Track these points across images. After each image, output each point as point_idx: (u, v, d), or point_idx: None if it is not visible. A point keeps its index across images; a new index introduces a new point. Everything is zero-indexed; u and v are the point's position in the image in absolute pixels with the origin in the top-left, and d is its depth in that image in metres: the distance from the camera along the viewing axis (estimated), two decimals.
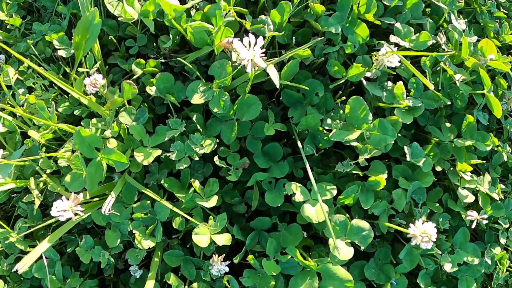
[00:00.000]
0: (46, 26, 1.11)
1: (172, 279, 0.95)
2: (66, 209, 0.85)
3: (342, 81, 0.96)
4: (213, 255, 0.93)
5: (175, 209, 0.91)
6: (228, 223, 0.96)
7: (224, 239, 0.91)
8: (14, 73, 1.06)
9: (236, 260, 0.95)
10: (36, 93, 1.03)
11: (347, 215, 0.95)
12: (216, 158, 0.92)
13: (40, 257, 0.96)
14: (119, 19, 1.00)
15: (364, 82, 0.97)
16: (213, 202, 0.90)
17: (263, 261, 0.92)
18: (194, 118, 0.93)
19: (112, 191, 0.91)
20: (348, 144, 0.93)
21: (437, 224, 1.02)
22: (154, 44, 1.07)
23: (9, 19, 1.13)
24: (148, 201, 0.95)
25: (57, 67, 1.07)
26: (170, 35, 0.99)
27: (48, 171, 1.00)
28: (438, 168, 1.03)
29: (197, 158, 0.90)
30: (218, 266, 0.93)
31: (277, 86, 0.88)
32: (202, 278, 0.97)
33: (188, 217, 0.91)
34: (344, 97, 0.97)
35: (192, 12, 1.00)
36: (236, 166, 0.93)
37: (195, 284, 0.96)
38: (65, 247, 1.08)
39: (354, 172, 0.95)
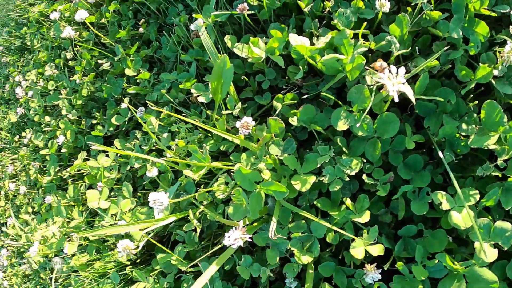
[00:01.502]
0: (173, 74, 1.13)
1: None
2: (237, 237, 0.87)
3: (473, 84, 0.90)
4: (366, 264, 0.92)
5: (330, 225, 0.91)
6: None
7: (377, 250, 0.90)
8: (156, 121, 1.09)
9: (386, 267, 0.93)
10: (181, 135, 1.06)
11: (490, 217, 0.91)
12: (364, 176, 0.90)
13: (199, 274, 0.99)
14: (248, 60, 1.00)
15: (493, 81, 0.91)
16: (366, 217, 0.89)
17: (413, 266, 0.89)
18: (338, 141, 0.92)
19: (272, 216, 0.92)
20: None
21: None
22: (284, 75, 1.06)
23: (139, 75, 1.16)
24: (303, 221, 0.95)
25: (198, 111, 1.09)
26: (300, 67, 0.97)
27: (205, 202, 1.03)
28: None
29: (347, 179, 0.89)
30: (372, 274, 0.92)
31: (414, 102, 0.85)
32: (354, 285, 0.96)
33: (343, 232, 0.90)
34: (476, 102, 0.92)
35: (314, 39, 0.98)
36: (382, 181, 0.91)
37: None
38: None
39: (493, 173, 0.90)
